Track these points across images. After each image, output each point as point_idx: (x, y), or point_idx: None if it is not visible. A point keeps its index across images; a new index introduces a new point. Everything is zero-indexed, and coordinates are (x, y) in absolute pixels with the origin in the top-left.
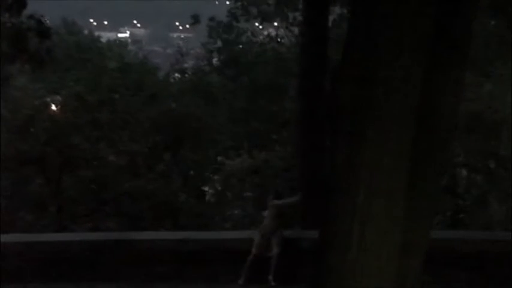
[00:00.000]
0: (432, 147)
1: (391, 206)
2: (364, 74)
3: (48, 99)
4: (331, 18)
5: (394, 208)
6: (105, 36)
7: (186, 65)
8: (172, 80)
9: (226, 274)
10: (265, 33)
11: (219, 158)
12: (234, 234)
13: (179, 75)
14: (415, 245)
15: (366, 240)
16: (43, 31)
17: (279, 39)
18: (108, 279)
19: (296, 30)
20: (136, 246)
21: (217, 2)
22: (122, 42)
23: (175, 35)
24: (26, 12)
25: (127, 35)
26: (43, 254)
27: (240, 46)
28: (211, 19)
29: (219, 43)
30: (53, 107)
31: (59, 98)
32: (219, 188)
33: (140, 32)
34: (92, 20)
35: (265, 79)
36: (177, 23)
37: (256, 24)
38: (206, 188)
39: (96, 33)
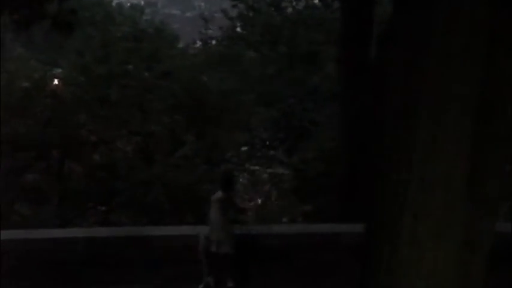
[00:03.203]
0: (498, 127)
1: (449, 195)
2: (417, 41)
3: (49, 72)
4: None
5: (452, 197)
6: None
7: (210, 31)
8: (194, 51)
9: (257, 273)
10: None
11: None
12: (263, 229)
13: (201, 44)
14: (477, 240)
15: (419, 235)
16: None
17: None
18: (119, 281)
19: None
20: (152, 243)
21: None
22: (135, 5)
23: None
24: None
25: None
26: (43, 252)
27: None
28: None
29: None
30: (55, 82)
31: (61, 70)
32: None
33: None
34: None
35: (301, 47)
36: None
37: None
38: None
39: None
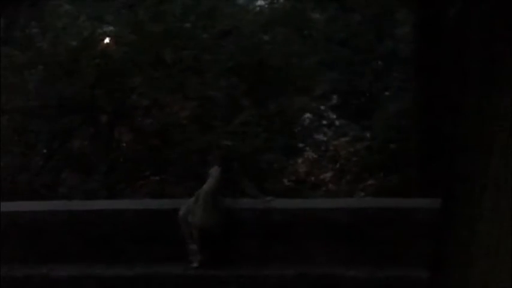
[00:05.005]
0: None
1: None
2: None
3: (99, 31)
4: None
5: None
6: None
7: None
8: (255, 8)
9: (322, 252)
10: None
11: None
12: (330, 203)
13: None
14: None
15: (501, 209)
16: None
17: None
18: (172, 258)
19: None
20: None
21: None
22: None
23: None
24: None
25: None
26: (90, 226)
27: None
28: None
29: None
30: (106, 40)
31: (112, 28)
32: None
33: None
34: None
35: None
36: None
37: None
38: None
39: None
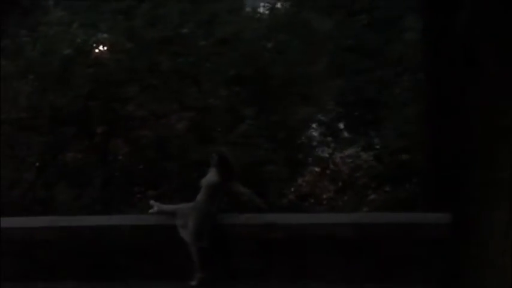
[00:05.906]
0: None
1: None
2: None
3: (93, 38)
4: None
5: None
6: None
7: None
8: (257, 15)
9: (328, 269)
10: None
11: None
12: (334, 218)
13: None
14: None
15: None
16: None
17: None
18: (170, 275)
19: None
20: None
21: None
22: None
23: None
24: None
25: None
26: (85, 242)
27: None
28: None
29: None
30: (100, 48)
31: (106, 36)
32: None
33: None
34: None
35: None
36: None
37: None
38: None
39: None
